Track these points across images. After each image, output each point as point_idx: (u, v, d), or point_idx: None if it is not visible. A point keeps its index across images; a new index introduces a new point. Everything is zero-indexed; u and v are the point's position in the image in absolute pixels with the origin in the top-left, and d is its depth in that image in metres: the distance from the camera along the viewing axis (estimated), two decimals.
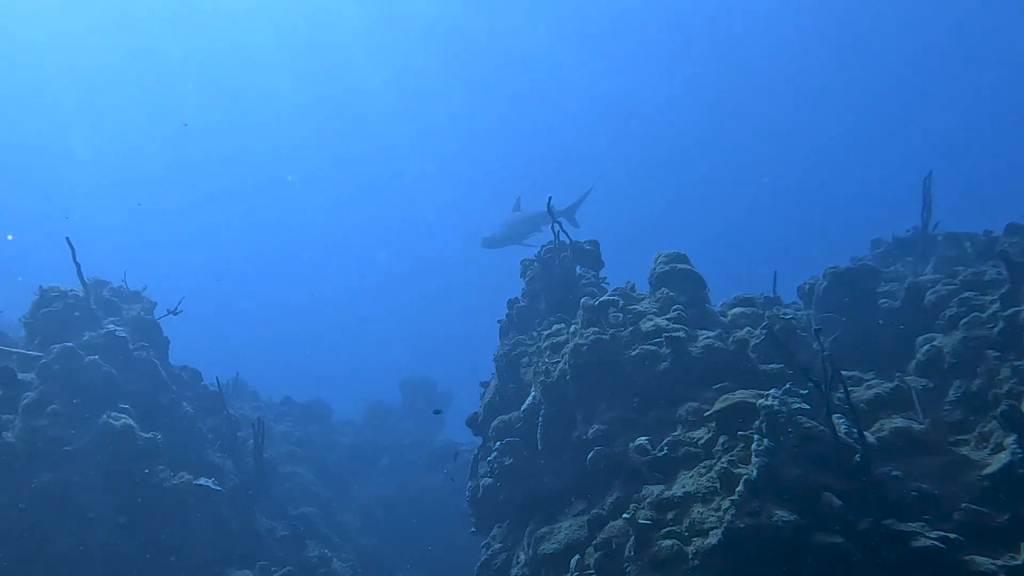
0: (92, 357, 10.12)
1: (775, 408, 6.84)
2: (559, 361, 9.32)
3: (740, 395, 7.47)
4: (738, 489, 6.39)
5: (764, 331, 8.57)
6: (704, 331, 8.78)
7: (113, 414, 9.66)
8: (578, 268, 10.97)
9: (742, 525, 6.18)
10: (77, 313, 11.31)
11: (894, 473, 6.69)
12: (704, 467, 7.09)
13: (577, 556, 7.45)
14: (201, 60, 47.63)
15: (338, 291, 62.53)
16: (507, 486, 9.54)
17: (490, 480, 10.13)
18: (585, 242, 11.23)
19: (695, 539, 6.41)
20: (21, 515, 8.95)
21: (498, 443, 9.76)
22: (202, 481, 10.64)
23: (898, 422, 7.22)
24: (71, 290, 11.63)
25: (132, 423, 9.75)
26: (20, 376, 10.27)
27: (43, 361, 9.97)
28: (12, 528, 8.84)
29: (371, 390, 27.08)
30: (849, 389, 6.85)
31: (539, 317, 10.94)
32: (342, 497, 16.83)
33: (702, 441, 7.46)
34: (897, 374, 8.07)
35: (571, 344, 8.98)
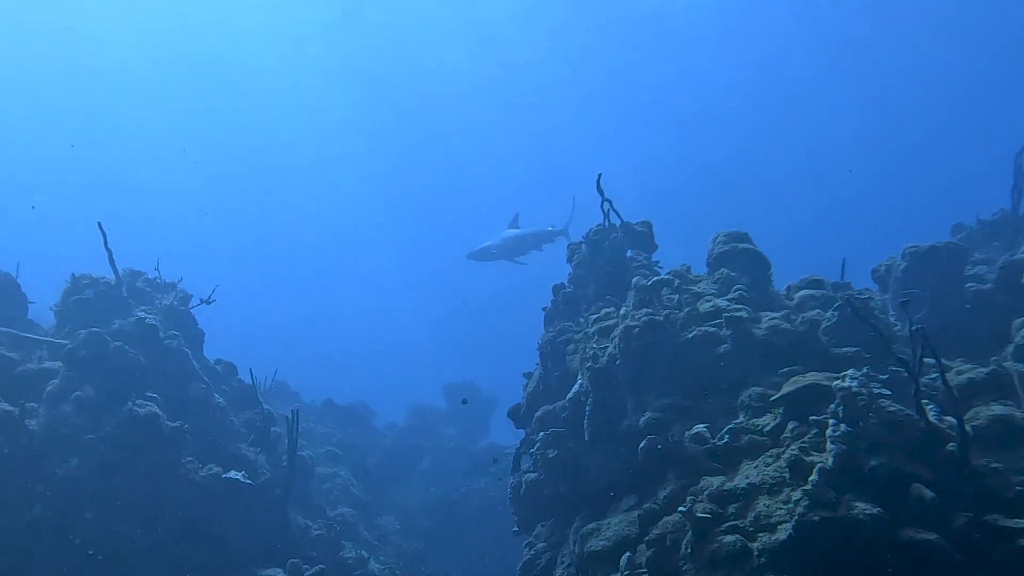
0: (118, 343, 9.76)
1: (854, 390, 6.02)
2: (608, 346, 8.59)
3: (812, 377, 6.64)
4: (811, 479, 5.59)
5: (837, 312, 7.70)
6: (769, 312, 7.95)
7: (139, 401, 9.25)
8: (629, 251, 10.21)
9: (816, 519, 5.39)
10: (108, 301, 11.00)
11: (993, 465, 5.79)
12: (771, 456, 6.28)
13: (628, 554, 6.72)
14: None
15: (383, 295, 62.58)
16: (551, 480, 8.83)
17: (533, 475, 9.44)
18: (637, 223, 10.48)
19: (761, 534, 5.62)
20: (43, 504, 8.58)
21: (541, 434, 9.06)
22: (232, 474, 10.17)
23: (997, 409, 6.33)
24: (103, 277, 11.36)
25: (158, 411, 9.33)
26: (47, 364, 10.00)
27: (68, 347, 9.64)
28: (34, 518, 8.48)
29: (414, 395, 26.59)
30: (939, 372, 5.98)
31: (586, 303, 10.22)
32: (382, 500, 16.30)
33: (768, 428, 6.65)
34: (993, 358, 7.12)
35: (621, 327, 8.24)
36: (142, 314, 10.93)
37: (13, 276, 11.99)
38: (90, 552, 8.52)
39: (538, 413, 9.58)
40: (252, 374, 12.32)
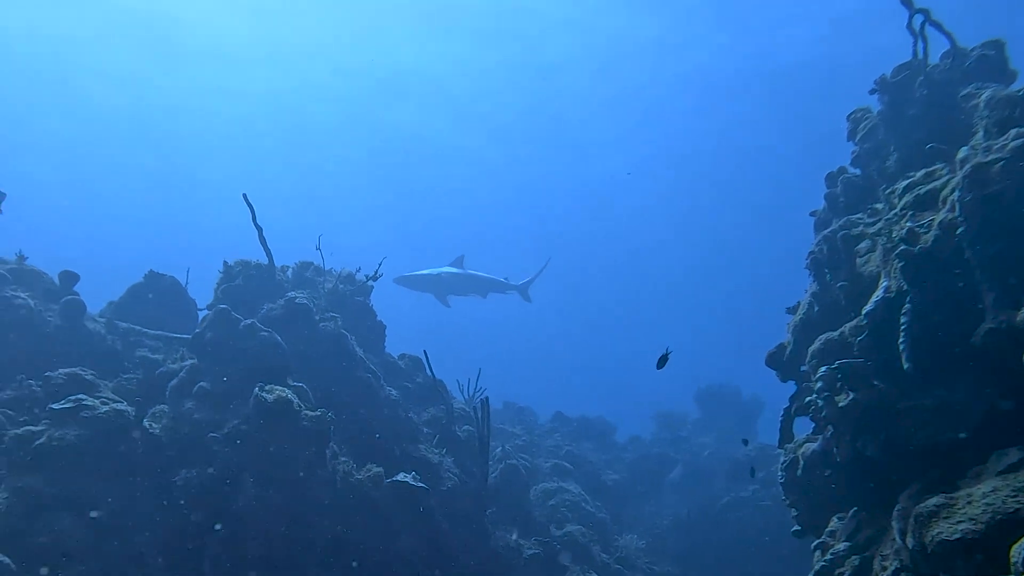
0: (248, 322, 7.96)
1: None
2: (939, 216, 5.07)
3: None
4: None
5: None
6: None
7: (267, 387, 7.28)
8: (964, 88, 6.49)
9: None
10: (259, 285, 9.45)
11: None
12: None
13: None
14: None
15: (618, 304, 59.73)
16: (847, 442, 5.35)
17: (816, 444, 6.02)
18: (977, 47, 6.78)
19: None
20: (167, 516, 6.81)
21: (823, 369, 5.61)
22: (400, 477, 7.85)
23: None
24: (254, 261, 9.89)
25: (291, 397, 7.28)
26: (189, 363, 8.48)
27: (196, 331, 8.03)
28: (146, 542, 6.70)
29: (660, 404, 23.25)
30: None
31: (885, 182, 6.68)
32: (623, 518, 13.24)
33: None
34: None
35: (965, 171, 4.72)
36: (292, 294, 9.21)
37: (181, 282, 11.04)
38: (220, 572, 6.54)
39: (814, 346, 6.15)
40: (426, 357, 10.05)
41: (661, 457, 16.57)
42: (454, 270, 16.51)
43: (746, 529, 12.52)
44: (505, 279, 18.29)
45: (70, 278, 9.33)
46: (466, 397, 12.19)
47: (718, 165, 46.47)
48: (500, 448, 12.18)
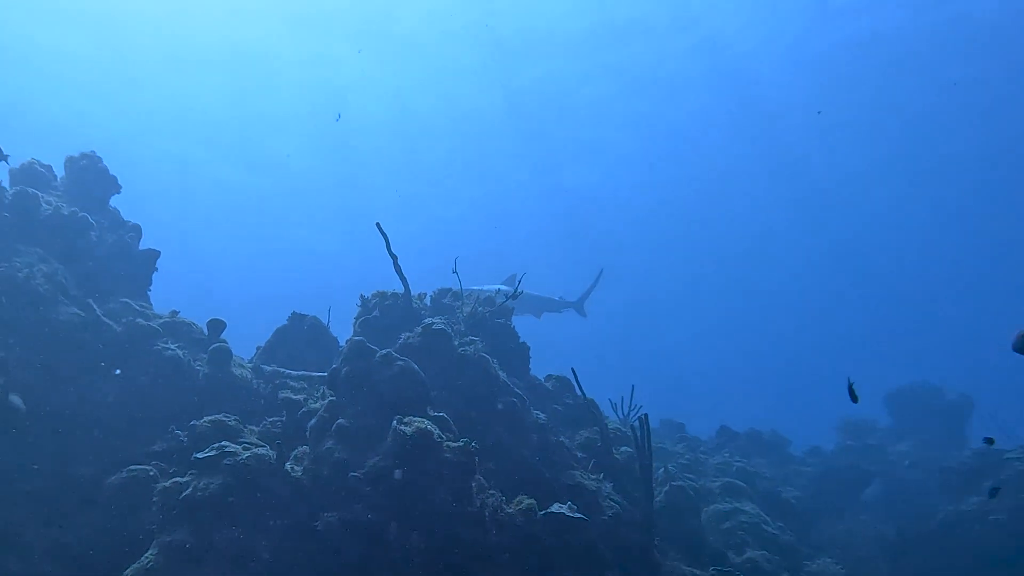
0: (383, 352, 7.59)
1: None
2: None
3: None
4: None
5: None
6: None
7: (405, 419, 6.84)
8: None
9: None
10: (395, 315, 9.20)
11: None
12: None
13: None
14: None
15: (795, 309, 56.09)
16: None
17: None
18: None
19: None
20: (311, 562, 6.47)
21: None
22: (555, 508, 7.11)
23: None
24: (390, 292, 9.67)
25: (431, 428, 6.79)
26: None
27: (332, 367, 7.77)
28: None
29: (832, 413, 21.15)
30: None
31: None
32: (812, 539, 11.73)
33: None
34: None
35: None
36: (429, 320, 8.83)
37: (323, 321, 11.06)
38: None
39: None
40: (575, 375, 9.31)
41: (851, 470, 14.78)
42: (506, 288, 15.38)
43: (980, 549, 10.65)
44: (560, 298, 18.60)
45: (217, 326, 9.47)
46: (621, 416, 11.34)
47: None
48: (662, 469, 11.19)
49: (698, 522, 10.03)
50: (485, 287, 15.20)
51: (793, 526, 11.44)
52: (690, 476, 12.01)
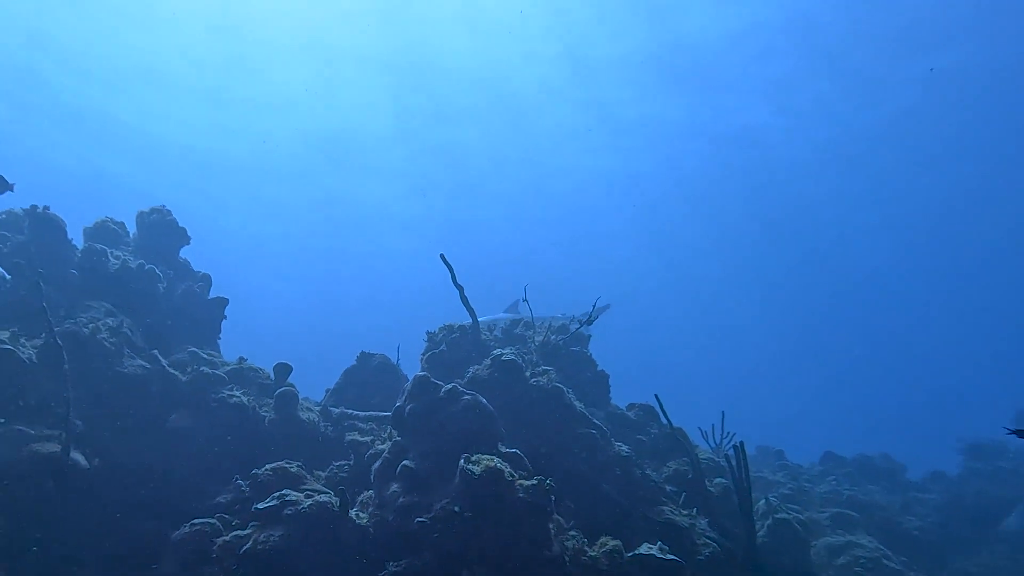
0: (448, 386, 7.11)
1: None
2: None
3: None
4: None
5: None
6: None
7: (473, 457, 6.31)
8: None
9: None
10: (463, 348, 8.77)
11: None
12: None
13: None
14: None
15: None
16: None
17: None
18: None
19: None
20: None
21: None
22: (644, 549, 6.40)
23: None
24: (458, 324, 9.25)
25: (501, 466, 6.23)
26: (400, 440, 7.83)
27: (396, 405, 7.34)
28: None
29: (963, 430, 19.38)
30: None
31: None
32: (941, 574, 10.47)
33: None
34: None
35: None
36: (498, 351, 8.33)
37: (393, 361, 10.74)
38: None
39: None
40: (659, 403, 8.56)
41: (984, 495, 13.30)
42: (510, 316, 14.38)
43: None
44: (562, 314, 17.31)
45: (284, 370, 9.24)
46: (713, 445, 10.48)
47: None
48: (763, 500, 10.23)
49: (807, 558, 9.04)
50: (489, 317, 14.85)
51: (919, 561, 10.23)
52: (794, 507, 10.95)
